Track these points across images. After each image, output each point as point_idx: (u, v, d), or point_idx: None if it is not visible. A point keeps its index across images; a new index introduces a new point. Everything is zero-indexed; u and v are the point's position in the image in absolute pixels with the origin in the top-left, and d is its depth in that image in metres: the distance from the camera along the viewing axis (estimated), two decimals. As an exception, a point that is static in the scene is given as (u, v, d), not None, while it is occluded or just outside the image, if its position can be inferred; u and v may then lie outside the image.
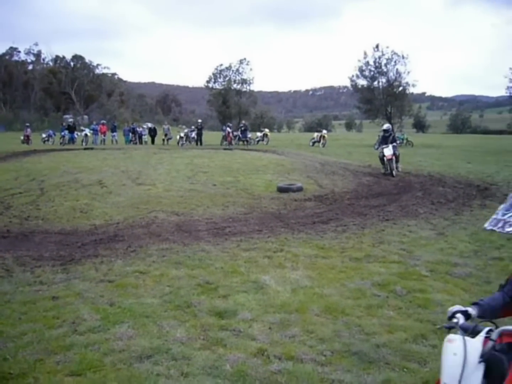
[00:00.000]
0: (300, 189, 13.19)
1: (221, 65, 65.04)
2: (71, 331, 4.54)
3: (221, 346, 4.21)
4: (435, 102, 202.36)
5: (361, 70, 49.20)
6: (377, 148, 19.05)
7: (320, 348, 4.17)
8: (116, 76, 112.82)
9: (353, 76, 50.31)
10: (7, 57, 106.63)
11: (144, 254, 7.17)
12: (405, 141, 36.58)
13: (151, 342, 4.27)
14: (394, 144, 17.04)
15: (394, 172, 16.46)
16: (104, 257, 7.09)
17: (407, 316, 4.86)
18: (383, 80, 48.67)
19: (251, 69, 63.43)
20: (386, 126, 18.44)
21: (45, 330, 4.57)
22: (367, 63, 48.84)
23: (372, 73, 49.00)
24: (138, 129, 42.65)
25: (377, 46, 48.32)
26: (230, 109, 62.24)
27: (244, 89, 64.68)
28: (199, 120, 40.45)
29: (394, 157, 16.70)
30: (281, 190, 13.12)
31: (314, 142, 37.39)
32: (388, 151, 16.66)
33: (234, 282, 5.86)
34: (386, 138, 17.40)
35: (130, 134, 41.84)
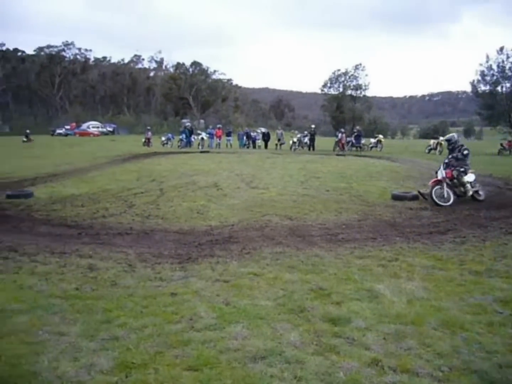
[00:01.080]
0: (415, 198, 12.78)
1: (338, 70, 64.78)
2: (188, 327, 4.71)
3: (334, 353, 4.18)
4: None
5: (482, 75, 46.90)
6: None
7: (437, 363, 4.01)
8: (231, 82, 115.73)
9: (474, 81, 48.09)
10: (131, 64, 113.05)
11: (258, 257, 7.29)
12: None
13: (265, 343, 4.32)
14: (460, 156, 12.91)
15: (468, 194, 12.65)
16: (220, 257, 7.29)
17: (533, 336, 4.56)
18: (507, 85, 46.04)
19: (366, 75, 62.65)
20: (450, 135, 15.21)
21: (164, 324, 4.77)
22: (490, 67, 46.47)
23: (495, 77, 46.55)
24: (252, 133, 43.45)
25: (501, 49, 45.82)
26: (344, 114, 61.76)
27: (359, 95, 63.92)
28: (312, 126, 40.51)
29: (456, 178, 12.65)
30: (396, 198, 12.81)
31: (430, 149, 36.10)
32: (440, 173, 12.73)
33: (347, 289, 5.80)
34: (451, 151, 13.51)
35: (244, 138, 42.72)
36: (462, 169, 12.68)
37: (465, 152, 12.83)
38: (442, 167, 12.65)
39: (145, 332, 4.57)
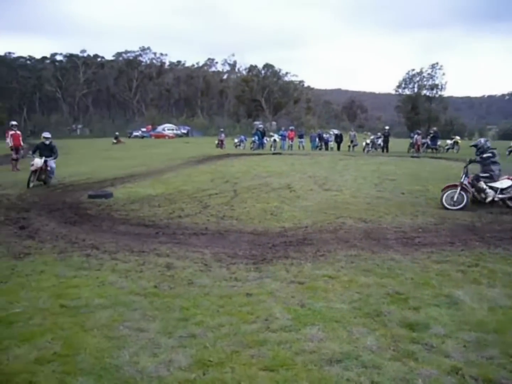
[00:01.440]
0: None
1: (413, 70, 63.39)
2: (264, 327, 4.75)
3: (412, 359, 4.10)
4: None
5: None
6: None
7: (522, 375, 3.87)
8: (303, 84, 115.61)
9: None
10: (205, 67, 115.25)
11: (333, 259, 7.24)
12: None
13: (341, 347, 4.30)
14: (479, 160, 12.27)
15: (487, 200, 11.82)
16: (294, 259, 7.30)
17: None
18: None
19: (443, 74, 60.85)
20: (477, 141, 13.33)
21: (240, 324, 4.84)
22: None
23: None
24: (324, 135, 43.24)
25: None
26: (419, 115, 60.29)
27: (435, 95, 62.26)
28: (386, 127, 39.79)
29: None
30: (474, 201, 12.36)
31: (510, 151, 34.65)
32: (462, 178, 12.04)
33: (425, 295, 5.67)
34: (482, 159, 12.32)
35: (317, 140, 42.57)
36: (484, 175, 12.11)
37: (485, 155, 12.20)
38: (463, 172, 12.19)
39: (222, 331, 4.66)
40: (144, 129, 76.98)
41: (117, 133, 54.10)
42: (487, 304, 5.38)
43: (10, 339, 4.46)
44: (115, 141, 51.06)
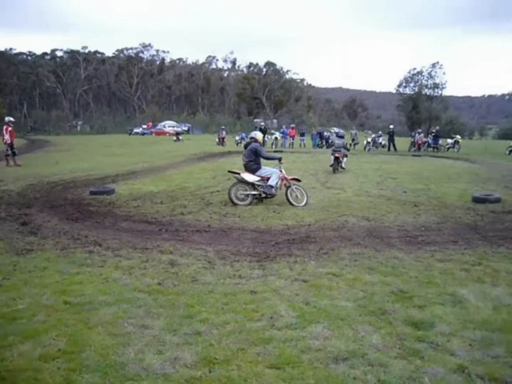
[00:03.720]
0: (498, 200, 12.28)
1: (414, 69, 63.29)
2: (269, 325, 4.73)
3: (418, 357, 4.08)
4: None
5: None
6: None
7: (528, 373, 3.86)
8: (304, 82, 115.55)
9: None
10: (206, 65, 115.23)
11: (336, 257, 7.23)
12: None
13: (347, 345, 4.29)
14: None
15: None
16: (298, 257, 7.28)
17: None
18: None
19: (444, 73, 60.81)
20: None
21: (245, 321, 4.82)
22: None
23: None
24: (325, 133, 43.23)
25: None
26: (420, 114, 60.24)
27: (436, 94, 62.20)
28: (391, 126, 39.68)
29: None
30: (477, 200, 12.33)
31: (511, 151, 34.67)
32: None
33: (429, 293, 5.65)
34: None
35: (318, 138, 42.56)
36: None
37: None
38: None
39: (227, 329, 4.64)
40: (144, 126, 76.86)
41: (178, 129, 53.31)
42: (491, 303, 5.36)
43: (14, 336, 4.43)
44: (175, 138, 50.32)
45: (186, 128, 79.74)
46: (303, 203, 11.90)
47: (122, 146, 39.76)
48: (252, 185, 12.02)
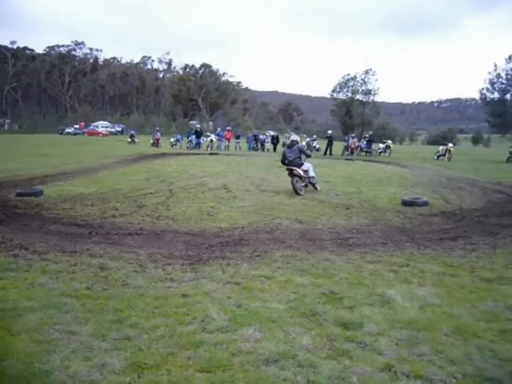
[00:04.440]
0: (425, 204, 12.74)
1: (348, 75, 64.66)
2: (200, 328, 4.69)
3: (347, 357, 4.16)
4: None
5: (491, 83, 46.66)
6: None
7: (450, 370, 3.98)
8: (240, 85, 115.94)
9: (483, 89, 47.85)
10: (141, 65, 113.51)
11: (269, 260, 7.27)
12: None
13: (278, 346, 4.31)
14: None
15: None
16: (231, 259, 7.27)
17: (547, 345, 4.53)
18: (516, 93, 45.79)
19: (376, 80, 62.42)
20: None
21: (176, 325, 4.76)
22: (499, 75, 46.23)
23: (503, 85, 46.29)
24: (261, 136, 43.52)
25: (509, 58, 45.56)
26: (353, 119, 61.63)
27: (368, 99, 63.81)
28: (329, 131, 40.39)
29: None
30: (406, 203, 12.74)
31: (439, 156, 36.09)
32: None
33: (359, 294, 5.78)
34: None
35: (253, 141, 42.80)
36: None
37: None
38: None
39: (157, 333, 4.57)
40: (77, 126, 74.91)
41: (132, 132, 51.73)
42: (417, 302, 5.54)
43: None
44: (129, 140, 48.32)
45: (120, 129, 78.47)
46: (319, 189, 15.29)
47: (52, 146, 38.48)
48: (300, 177, 14.64)
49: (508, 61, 45.41)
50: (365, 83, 64.35)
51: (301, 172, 14.58)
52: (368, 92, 64.41)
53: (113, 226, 9.61)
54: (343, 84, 65.11)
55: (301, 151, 15.19)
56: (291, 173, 14.54)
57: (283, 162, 15.05)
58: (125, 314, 5.01)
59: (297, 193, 14.20)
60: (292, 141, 15.79)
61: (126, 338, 4.45)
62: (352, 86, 64.49)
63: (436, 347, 4.39)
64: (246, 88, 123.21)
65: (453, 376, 3.88)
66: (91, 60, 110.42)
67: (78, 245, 7.90)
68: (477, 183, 18.81)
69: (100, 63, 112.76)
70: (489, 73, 46.84)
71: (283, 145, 14.39)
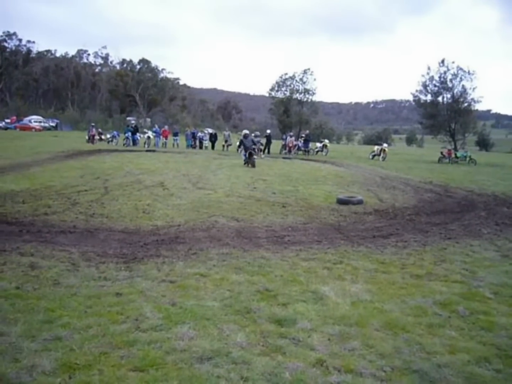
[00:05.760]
0: (360, 202, 13.05)
1: (286, 74, 65.02)
2: (134, 327, 4.65)
3: (280, 353, 4.22)
4: (501, 120, 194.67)
5: (424, 85, 48.12)
6: None
7: (379, 364, 4.12)
8: (179, 81, 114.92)
9: (416, 91, 49.29)
10: (76, 58, 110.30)
11: (205, 257, 7.27)
12: (468, 159, 35.69)
13: (212, 344, 4.33)
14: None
15: None
16: (166, 257, 7.23)
17: (470, 338, 4.73)
18: (447, 95, 47.22)
19: (314, 79, 63.05)
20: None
21: (109, 324, 4.69)
22: (432, 78, 47.71)
23: (436, 88, 47.86)
24: (199, 134, 43.28)
25: (442, 61, 47.16)
26: (291, 118, 62.13)
27: (306, 99, 64.45)
28: (268, 131, 40.33)
29: None
30: (341, 202, 13.01)
31: (374, 155, 37.08)
32: None
33: (293, 291, 5.87)
34: None
35: (191, 138, 42.51)
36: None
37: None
38: None
39: (89, 333, 4.49)
40: (8, 120, 72.06)
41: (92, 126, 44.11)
42: (349, 299, 5.68)
43: None
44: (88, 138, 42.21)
45: (54, 124, 76.15)
46: None
47: (-19, 141, 37.04)
48: (255, 154, 24.72)
49: (441, 64, 46.94)
50: (303, 82, 64.98)
51: (256, 151, 25.08)
52: (306, 92, 65.05)
53: (45, 224, 9.34)
54: (281, 83, 65.48)
55: (252, 140, 25.08)
56: (250, 154, 22.72)
57: (239, 146, 25.12)
58: (56, 314, 4.89)
59: (253, 164, 22.69)
60: (246, 134, 25.65)
61: (57, 338, 4.35)
62: (290, 85, 64.97)
63: (366, 342, 4.52)
64: (185, 84, 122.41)
65: (382, 370, 4.02)
66: (23, 52, 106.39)
67: (8, 244, 7.63)
68: (410, 182, 19.47)
69: (33, 55, 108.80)
70: (422, 75, 48.24)
71: (244, 136, 24.85)
